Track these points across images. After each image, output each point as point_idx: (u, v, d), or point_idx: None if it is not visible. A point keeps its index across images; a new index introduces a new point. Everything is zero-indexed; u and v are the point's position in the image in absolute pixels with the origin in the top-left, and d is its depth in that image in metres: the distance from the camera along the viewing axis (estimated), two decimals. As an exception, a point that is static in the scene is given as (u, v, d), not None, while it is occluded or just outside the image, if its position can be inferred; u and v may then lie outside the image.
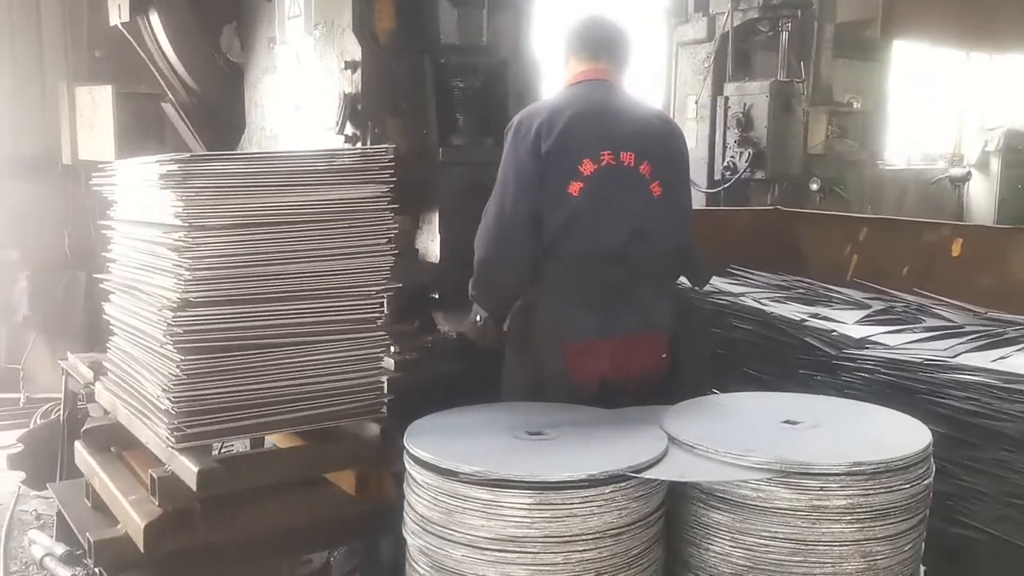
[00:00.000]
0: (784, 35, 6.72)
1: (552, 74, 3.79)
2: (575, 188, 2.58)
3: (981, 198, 11.91)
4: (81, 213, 6.11)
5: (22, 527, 4.14)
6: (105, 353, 3.67)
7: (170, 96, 4.60)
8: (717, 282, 3.86)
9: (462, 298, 3.61)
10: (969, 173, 11.83)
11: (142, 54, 4.53)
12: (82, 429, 2.83)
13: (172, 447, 2.35)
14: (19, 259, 5.98)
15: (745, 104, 6.60)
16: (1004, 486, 2.74)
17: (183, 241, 2.33)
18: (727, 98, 6.71)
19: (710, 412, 2.28)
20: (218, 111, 4.50)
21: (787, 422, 2.16)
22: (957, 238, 4.18)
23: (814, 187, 8.15)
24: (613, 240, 2.60)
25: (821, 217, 5.26)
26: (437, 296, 3.53)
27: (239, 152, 2.50)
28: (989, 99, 12.82)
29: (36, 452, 4.08)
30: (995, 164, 11.75)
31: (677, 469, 1.93)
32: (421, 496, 1.98)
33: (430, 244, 3.50)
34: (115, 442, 2.82)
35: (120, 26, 4.45)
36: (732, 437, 2.05)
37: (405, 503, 2.08)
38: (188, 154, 2.35)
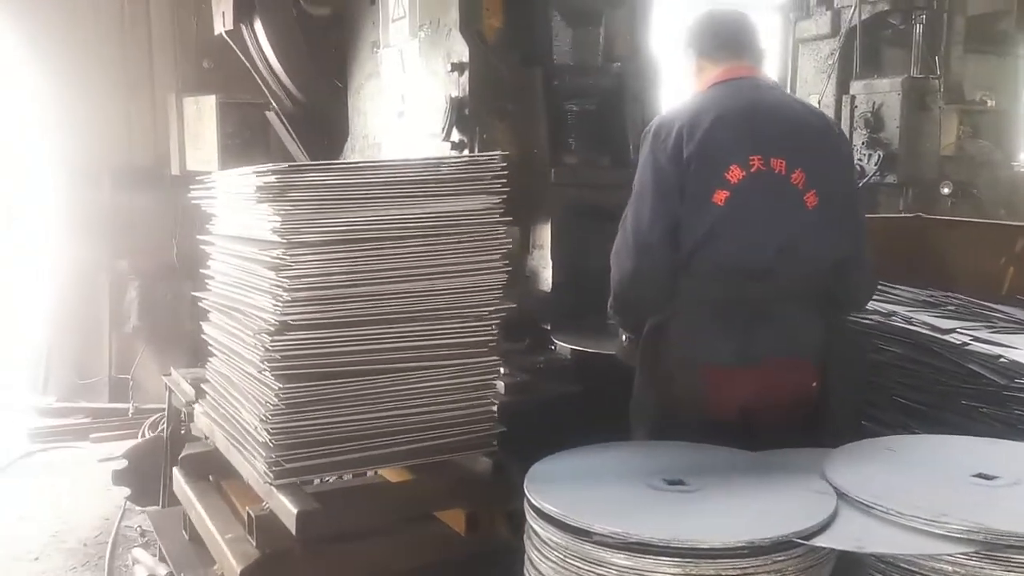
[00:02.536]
0: (918, 28, 6.20)
1: (672, 77, 3.51)
2: (720, 196, 2.29)
3: None
4: (188, 224, 6.13)
5: (126, 544, 4.08)
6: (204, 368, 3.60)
7: (273, 104, 4.50)
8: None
9: (576, 326, 3.36)
10: (1117, 174, 10.86)
11: (245, 62, 4.44)
12: (180, 456, 2.67)
13: (270, 483, 2.16)
14: (129, 269, 6.02)
15: (874, 103, 6.10)
16: None
17: (281, 259, 2.14)
18: (853, 97, 6.23)
19: (881, 460, 1.94)
20: (321, 119, 4.38)
21: (979, 476, 1.80)
22: None
23: (945, 191, 7.55)
24: (758, 256, 2.32)
25: (971, 225, 4.76)
26: (549, 327, 3.29)
27: (340, 161, 2.29)
28: None
29: (140, 468, 4.02)
30: None
31: (854, 536, 1.60)
32: (546, 556, 1.71)
33: (542, 271, 3.26)
34: (213, 470, 2.67)
35: (224, 34, 4.38)
36: (915, 495, 1.71)
37: (526, 559, 1.82)
38: (286, 164, 2.15)
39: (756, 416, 2.35)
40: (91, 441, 5.45)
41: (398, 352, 2.28)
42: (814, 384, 2.42)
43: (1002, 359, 2.98)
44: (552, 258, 3.23)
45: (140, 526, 4.23)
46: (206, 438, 2.74)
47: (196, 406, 2.80)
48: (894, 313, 3.44)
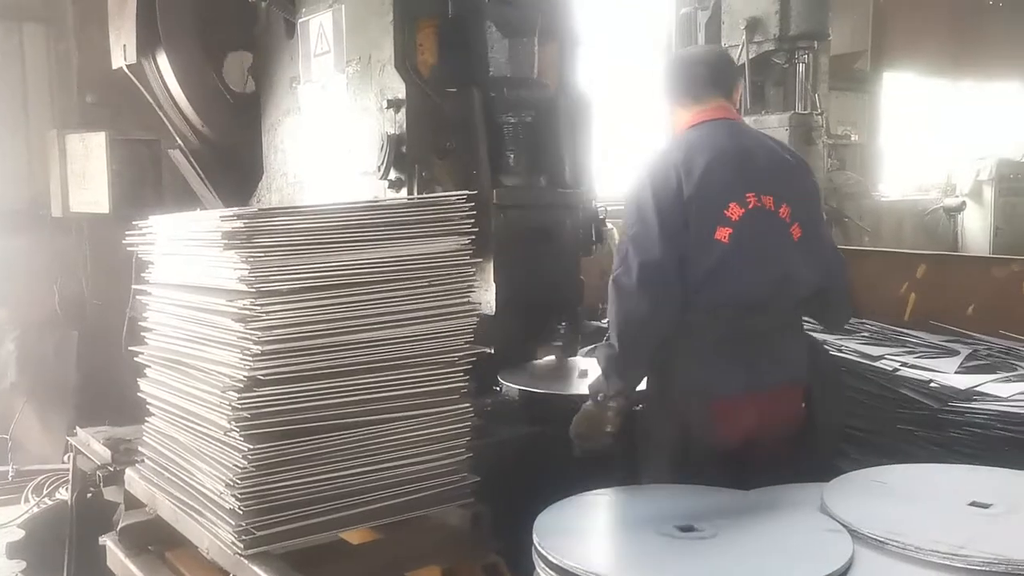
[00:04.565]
0: (801, 67, 6.53)
1: (601, 110, 3.57)
2: (723, 234, 2.38)
3: (976, 228, 11.85)
4: (71, 268, 5.71)
5: (22, 624, 3.69)
6: (115, 426, 3.30)
7: (179, 142, 4.25)
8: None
9: (520, 353, 3.32)
10: (964, 203, 11.76)
11: (148, 98, 4.18)
12: (119, 527, 2.43)
13: (240, 554, 1.98)
14: (5, 319, 5.53)
15: (764, 138, 6.38)
16: None
17: (249, 309, 1.99)
18: (744, 132, 6.49)
19: (876, 493, 1.96)
20: (232, 157, 4.17)
21: (975, 505, 1.85)
22: (1031, 274, 3.94)
23: (819, 221, 7.97)
24: (759, 289, 2.42)
25: (872, 254, 5.02)
26: (492, 351, 3.21)
27: (308, 205, 2.17)
28: (979, 128, 12.85)
29: (39, 539, 3.65)
30: (988, 193, 11.69)
31: (881, 575, 1.61)
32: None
33: (483, 294, 3.18)
34: (153, 540, 2.44)
35: (125, 68, 4.11)
36: (925, 528, 1.73)
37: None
38: (255, 208, 2.02)
39: (760, 441, 2.45)
40: (-34, 510, 4.94)
41: (372, 403, 2.15)
42: (803, 405, 2.57)
43: (933, 383, 3.12)
44: (495, 280, 3.17)
45: (35, 603, 3.84)
46: (143, 505, 2.50)
47: (128, 470, 2.56)
48: (825, 341, 3.55)
